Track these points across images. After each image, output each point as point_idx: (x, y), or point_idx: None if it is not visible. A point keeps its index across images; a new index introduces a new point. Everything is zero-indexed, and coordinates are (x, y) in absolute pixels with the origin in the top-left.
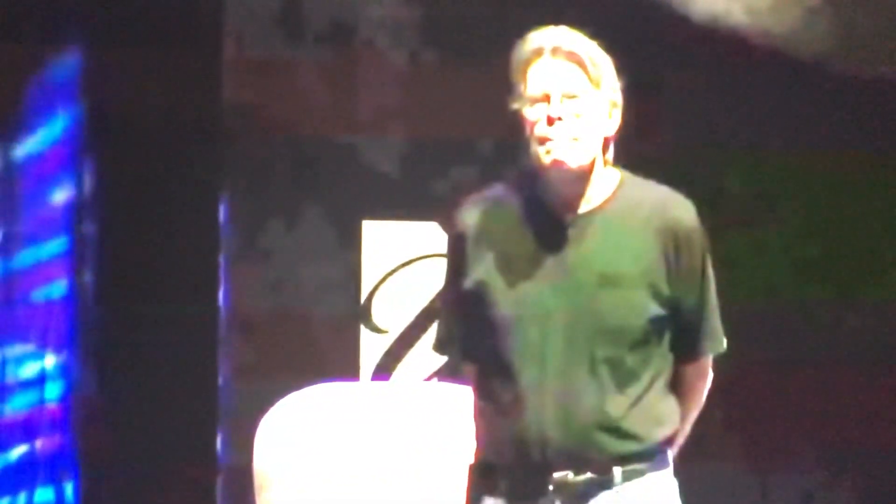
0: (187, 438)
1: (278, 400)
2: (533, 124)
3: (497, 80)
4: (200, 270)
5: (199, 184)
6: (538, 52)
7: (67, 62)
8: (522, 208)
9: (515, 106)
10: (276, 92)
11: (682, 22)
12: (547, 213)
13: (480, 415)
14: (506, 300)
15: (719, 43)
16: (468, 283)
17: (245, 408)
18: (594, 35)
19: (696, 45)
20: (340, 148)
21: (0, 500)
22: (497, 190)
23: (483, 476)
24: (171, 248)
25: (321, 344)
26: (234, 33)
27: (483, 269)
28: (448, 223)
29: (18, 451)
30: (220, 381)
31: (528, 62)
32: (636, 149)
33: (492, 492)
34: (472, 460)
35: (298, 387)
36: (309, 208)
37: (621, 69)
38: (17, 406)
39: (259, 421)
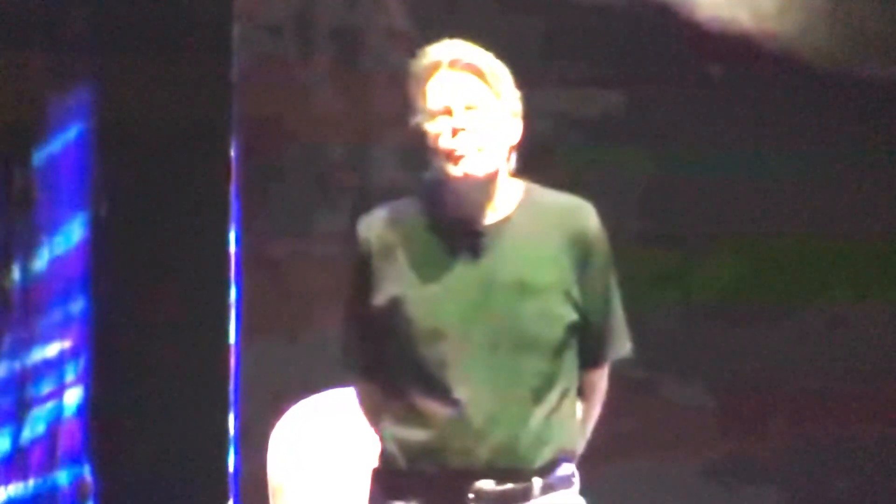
0: (201, 444)
1: (292, 405)
2: (436, 137)
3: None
4: (213, 277)
5: (209, 194)
6: (436, 66)
7: (75, 72)
8: (429, 221)
9: (416, 121)
10: (286, 100)
11: (688, 25)
12: (456, 225)
13: (396, 425)
14: (423, 314)
15: (725, 46)
16: (379, 298)
17: (259, 413)
18: (598, 42)
19: (701, 48)
20: (352, 155)
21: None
22: (399, 204)
23: (396, 482)
24: (183, 255)
25: (335, 350)
26: (243, 42)
27: (395, 285)
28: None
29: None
30: (234, 386)
31: (426, 76)
32: (643, 151)
33: (407, 499)
34: (378, 465)
35: (312, 392)
36: (320, 216)
37: (631, 73)
38: (37, 400)
39: (273, 427)
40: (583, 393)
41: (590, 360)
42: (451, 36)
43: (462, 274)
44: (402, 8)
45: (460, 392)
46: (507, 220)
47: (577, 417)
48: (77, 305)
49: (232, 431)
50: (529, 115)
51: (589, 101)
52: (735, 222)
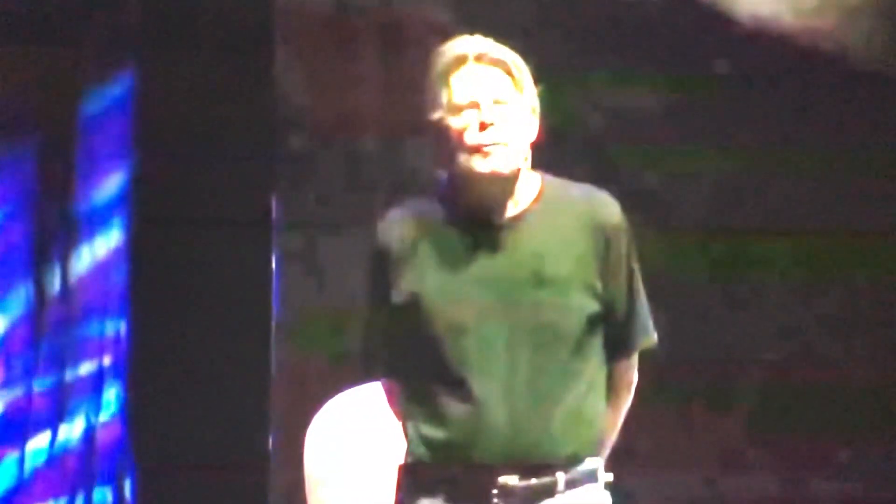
0: (238, 439)
1: (329, 399)
2: (461, 132)
3: (549, 82)
4: (253, 272)
5: (251, 187)
6: (462, 60)
7: (117, 67)
8: (447, 217)
9: (436, 116)
10: (328, 95)
11: (728, 22)
12: (474, 220)
13: (419, 421)
14: (442, 310)
15: (765, 43)
16: (399, 296)
17: (296, 407)
18: (634, 38)
19: (741, 45)
20: (396, 150)
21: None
22: (416, 201)
23: (422, 478)
24: (224, 247)
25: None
26: (285, 36)
27: (414, 281)
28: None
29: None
30: (272, 381)
31: (449, 70)
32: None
33: (433, 495)
34: (404, 461)
35: (348, 386)
36: (361, 209)
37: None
38: (73, 410)
39: (310, 420)
40: (611, 386)
41: (616, 352)
42: (495, 30)
43: (481, 269)
44: (444, 1)
45: (480, 387)
46: (525, 213)
47: (603, 411)
48: (116, 313)
49: (270, 424)
50: (559, 111)
51: (624, 97)
52: (771, 219)
